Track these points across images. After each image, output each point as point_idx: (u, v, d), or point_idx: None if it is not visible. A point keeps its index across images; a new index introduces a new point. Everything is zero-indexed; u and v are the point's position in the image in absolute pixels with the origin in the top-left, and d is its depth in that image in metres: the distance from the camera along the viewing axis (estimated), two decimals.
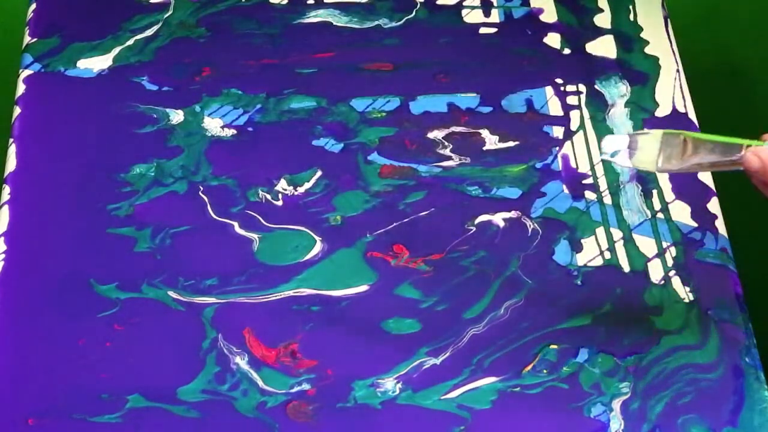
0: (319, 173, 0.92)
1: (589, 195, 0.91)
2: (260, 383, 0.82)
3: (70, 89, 0.96)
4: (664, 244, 0.89)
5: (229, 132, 0.94)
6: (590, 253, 0.88)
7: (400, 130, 0.94)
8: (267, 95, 0.96)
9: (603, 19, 1.02)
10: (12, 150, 0.92)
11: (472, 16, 1.02)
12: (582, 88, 0.97)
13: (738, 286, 0.87)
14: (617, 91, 0.97)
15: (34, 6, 1.01)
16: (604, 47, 1.00)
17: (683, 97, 0.97)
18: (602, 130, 0.95)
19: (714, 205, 0.91)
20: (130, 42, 0.99)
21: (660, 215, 0.90)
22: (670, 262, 0.88)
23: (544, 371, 0.82)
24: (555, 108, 0.96)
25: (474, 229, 0.89)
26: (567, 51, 1.00)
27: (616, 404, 0.81)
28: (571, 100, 0.96)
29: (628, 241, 0.89)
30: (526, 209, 0.90)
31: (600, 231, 0.89)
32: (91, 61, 0.98)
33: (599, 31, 1.01)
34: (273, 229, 0.89)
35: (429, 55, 0.99)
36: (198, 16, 1.01)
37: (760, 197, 0.73)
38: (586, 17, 1.02)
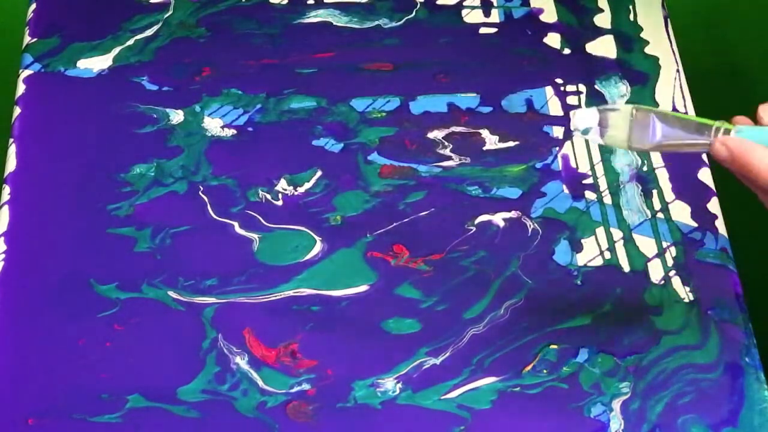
0: (319, 173, 0.92)
1: (589, 195, 0.91)
2: (260, 383, 0.82)
3: (70, 89, 0.96)
4: (664, 244, 0.89)
5: (229, 132, 0.94)
6: (590, 253, 0.88)
7: (400, 130, 0.94)
8: (267, 95, 0.96)
9: (603, 19, 1.02)
10: (12, 150, 0.92)
11: (472, 16, 1.02)
12: (582, 88, 0.97)
13: (738, 286, 0.87)
14: (617, 91, 0.97)
15: (34, 6, 1.01)
16: (604, 47, 1.00)
17: (683, 97, 0.97)
18: None
19: (714, 205, 0.91)
20: (130, 42, 0.99)
21: (660, 215, 0.90)
22: (670, 262, 0.88)
23: (544, 371, 0.82)
24: (555, 108, 0.96)
25: (474, 229, 0.89)
26: (567, 51, 1.00)
27: (616, 404, 0.81)
28: (571, 100, 0.96)
29: (628, 241, 0.89)
30: (526, 209, 0.90)
31: (600, 231, 0.89)
32: (91, 61, 0.98)
33: (599, 31, 1.01)
34: (273, 229, 0.89)
35: (429, 55, 0.99)
36: (198, 16, 1.01)
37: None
38: (586, 17, 1.02)
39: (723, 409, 0.81)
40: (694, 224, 0.90)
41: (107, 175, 0.91)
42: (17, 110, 0.95)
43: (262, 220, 0.89)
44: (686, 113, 0.68)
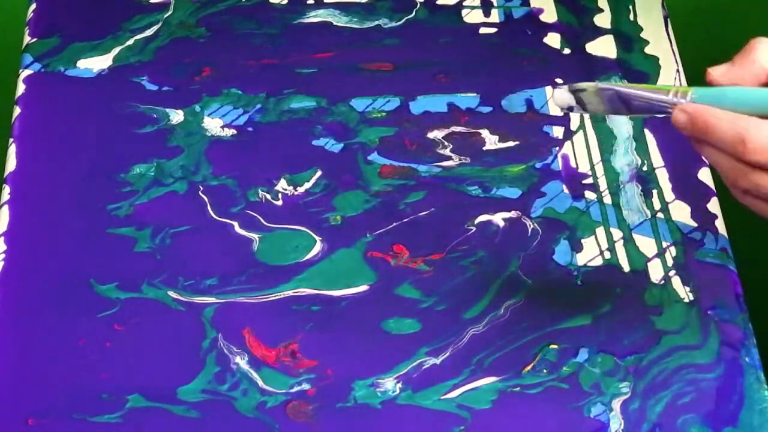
0: (319, 173, 0.92)
1: (589, 195, 0.91)
2: (260, 383, 0.82)
3: (70, 89, 0.96)
4: (664, 244, 0.89)
5: (229, 132, 0.94)
6: (590, 253, 0.88)
7: (400, 130, 0.94)
8: (267, 95, 0.96)
9: (603, 19, 1.02)
10: (12, 150, 0.92)
11: (472, 16, 1.02)
12: None
13: (738, 286, 0.87)
14: None
15: (34, 6, 1.01)
16: (604, 47, 1.00)
17: None
18: (602, 130, 0.95)
19: (714, 205, 0.91)
20: (130, 42, 0.99)
21: (660, 215, 0.90)
22: (670, 262, 0.88)
23: (544, 371, 0.82)
24: (555, 108, 0.96)
25: (474, 229, 0.89)
26: (567, 51, 1.00)
27: (616, 404, 0.81)
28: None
29: (628, 241, 0.89)
30: (526, 209, 0.90)
31: (600, 231, 0.89)
32: (91, 61, 0.98)
33: (599, 31, 1.01)
34: (273, 229, 0.89)
35: (429, 55, 0.99)
36: (198, 16, 1.01)
37: None
38: (586, 17, 1.02)
39: (723, 409, 0.81)
40: (694, 224, 0.90)
41: (107, 175, 0.91)
42: (17, 110, 0.95)
43: (262, 220, 0.89)
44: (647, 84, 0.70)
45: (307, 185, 0.91)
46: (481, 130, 0.95)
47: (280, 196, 0.91)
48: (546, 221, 0.90)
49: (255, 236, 0.88)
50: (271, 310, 0.85)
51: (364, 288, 0.86)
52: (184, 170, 0.92)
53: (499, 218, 0.90)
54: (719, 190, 0.92)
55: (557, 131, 0.95)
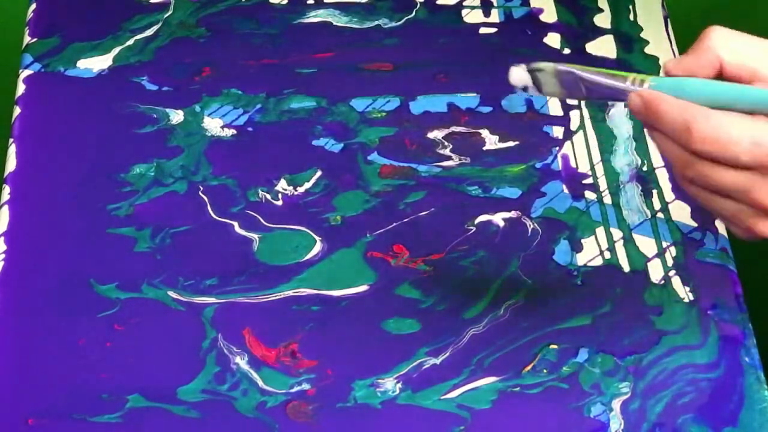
0: (319, 173, 0.92)
1: (589, 195, 0.91)
2: (260, 383, 0.82)
3: (70, 89, 0.96)
4: (664, 244, 0.89)
5: (229, 132, 0.94)
6: (590, 253, 0.88)
7: (400, 130, 0.94)
8: (267, 95, 0.96)
9: (603, 19, 1.02)
10: (12, 150, 0.92)
11: (472, 16, 1.02)
12: None
13: (738, 286, 0.87)
14: None
15: (34, 6, 1.01)
16: (604, 47, 1.00)
17: None
18: (602, 130, 0.95)
19: None
20: (130, 42, 0.99)
21: (660, 215, 0.90)
22: (670, 262, 0.88)
23: (544, 371, 0.82)
24: (555, 108, 0.96)
25: (474, 229, 0.89)
26: (567, 51, 1.00)
27: (616, 404, 0.81)
28: (571, 100, 0.96)
29: (628, 241, 0.89)
30: (526, 209, 0.90)
31: (600, 231, 0.89)
32: (91, 61, 0.98)
33: (599, 31, 1.01)
34: (273, 229, 0.89)
35: (429, 55, 0.99)
36: (198, 16, 1.01)
37: None
38: (586, 17, 1.02)
39: (723, 409, 0.81)
40: (694, 224, 0.90)
41: (107, 175, 0.91)
42: (17, 110, 0.95)
43: (262, 220, 0.89)
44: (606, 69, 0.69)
45: (307, 185, 0.91)
46: (481, 130, 0.95)
47: (280, 196, 0.91)
48: (546, 221, 0.90)
49: (255, 236, 0.88)
50: (271, 310, 0.85)
51: (364, 288, 0.86)
52: (184, 170, 0.92)
53: (499, 218, 0.90)
54: None
55: (557, 131, 0.95)
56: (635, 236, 0.89)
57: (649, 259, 0.88)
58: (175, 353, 0.83)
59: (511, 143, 0.94)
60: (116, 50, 0.98)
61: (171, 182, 0.91)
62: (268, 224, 0.89)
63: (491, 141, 0.94)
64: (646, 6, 1.03)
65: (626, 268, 0.87)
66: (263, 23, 1.01)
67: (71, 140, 0.93)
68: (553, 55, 0.99)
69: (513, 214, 0.90)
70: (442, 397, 0.81)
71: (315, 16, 1.02)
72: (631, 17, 1.02)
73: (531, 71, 0.68)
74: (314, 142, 0.94)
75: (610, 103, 0.96)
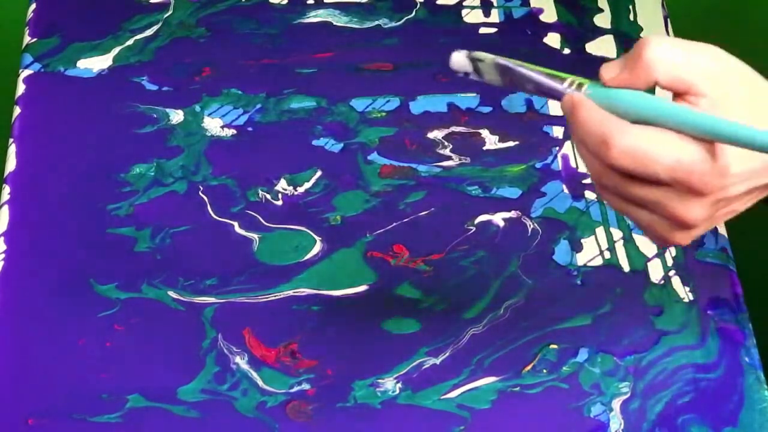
0: (319, 173, 0.92)
1: (589, 195, 0.91)
2: (260, 383, 0.82)
3: (70, 89, 0.96)
4: None
5: (229, 132, 0.94)
6: (590, 253, 0.88)
7: (400, 130, 0.94)
8: (267, 95, 0.96)
9: (603, 19, 1.02)
10: (12, 150, 0.92)
11: (472, 16, 1.02)
12: None
13: (738, 286, 0.87)
14: None
15: (34, 6, 1.01)
16: (604, 47, 1.00)
17: None
18: None
19: None
20: (130, 42, 0.99)
21: None
22: (670, 262, 0.88)
23: (544, 371, 0.82)
24: (555, 108, 0.96)
25: (474, 229, 0.89)
26: (567, 51, 1.00)
27: (616, 404, 0.81)
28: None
29: (628, 241, 0.89)
30: (526, 209, 0.90)
31: (600, 231, 0.89)
32: (91, 61, 0.98)
33: (599, 31, 1.01)
34: (273, 229, 0.89)
35: (429, 55, 0.99)
36: (198, 16, 1.01)
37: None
38: (586, 17, 1.02)
39: (723, 409, 0.81)
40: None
41: (107, 175, 0.91)
42: (17, 110, 0.95)
43: (262, 220, 0.89)
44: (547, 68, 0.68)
45: (307, 185, 0.91)
46: (481, 130, 0.95)
47: (280, 196, 0.91)
48: (546, 221, 0.90)
49: (255, 236, 0.88)
50: (271, 310, 0.85)
51: (364, 288, 0.86)
52: (184, 170, 0.92)
53: (499, 218, 0.90)
54: None
55: (557, 131, 0.95)
56: (635, 236, 0.89)
57: (649, 259, 0.88)
58: (175, 353, 0.83)
59: (511, 143, 0.94)
60: (116, 50, 0.98)
61: (171, 182, 0.91)
62: (268, 224, 0.89)
63: (491, 141, 0.94)
64: (646, 6, 1.03)
65: (626, 268, 0.87)
66: (263, 23, 1.01)
67: (71, 140, 0.93)
68: (553, 55, 0.99)
69: (513, 214, 0.90)
70: (442, 397, 0.81)
71: (315, 16, 1.02)
72: (631, 17, 1.02)
73: (472, 59, 0.68)
74: (314, 142, 0.94)
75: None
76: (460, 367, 0.83)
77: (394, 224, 0.89)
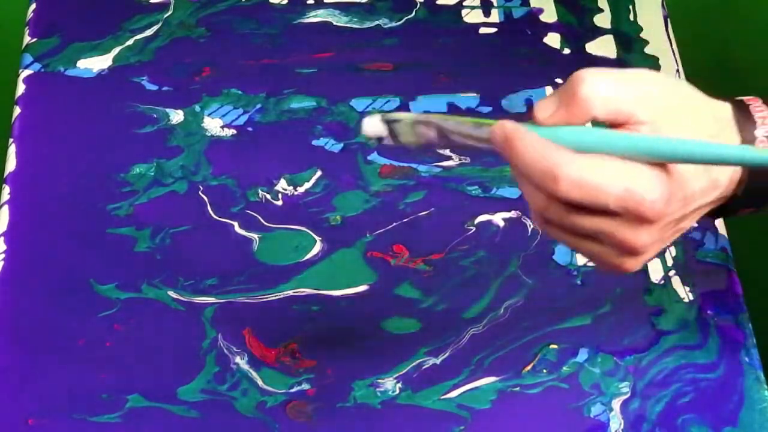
0: (319, 173, 0.92)
1: None
2: (260, 383, 0.82)
3: (70, 89, 0.96)
4: None
5: (229, 132, 0.94)
6: None
7: None
8: (267, 95, 0.96)
9: (603, 19, 1.02)
10: (12, 150, 0.92)
11: (472, 16, 1.02)
12: None
13: (738, 286, 0.87)
14: None
15: (34, 6, 1.01)
16: (604, 47, 1.00)
17: None
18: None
19: None
20: (130, 42, 0.99)
21: None
22: (670, 262, 0.88)
23: (544, 371, 0.82)
24: None
25: (474, 229, 0.89)
26: (567, 51, 1.00)
27: (616, 404, 0.81)
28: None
29: None
30: (526, 209, 0.90)
31: None
32: (91, 61, 0.98)
33: (599, 31, 1.01)
34: (273, 229, 0.89)
35: (429, 55, 0.99)
36: (198, 16, 1.01)
37: None
38: (586, 17, 1.02)
39: (723, 409, 0.81)
40: (694, 224, 0.90)
41: (107, 175, 0.91)
42: (17, 110, 0.95)
43: (262, 220, 0.89)
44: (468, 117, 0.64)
45: (307, 185, 0.91)
46: None
47: (280, 196, 0.91)
48: None
49: (255, 236, 0.88)
50: (271, 310, 0.85)
51: (364, 288, 0.86)
52: (184, 170, 0.92)
53: (499, 218, 0.90)
54: None
55: None
56: None
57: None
58: (175, 353, 0.83)
59: None
60: (116, 50, 0.98)
61: (171, 182, 0.91)
62: (268, 224, 0.89)
63: None
64: (646, 6, 1.03)
65: None
66: (263, 23, 1.01)
67: (71, 140, 0.93)
68: (553, 55, 0.99)
69: (513, 214, 0.90)
70: (442, 397, 0.81)
71: (315, 16, 1.02)
72: (631, 17, 1.02)
73: (387, 122, 0.64)
74: (314, 142, 0.94)
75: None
76: (460, 367, 0.83)
77: (394, 224, 0.89)
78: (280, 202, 0.90)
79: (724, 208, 0.67)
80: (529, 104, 0.96)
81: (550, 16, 1.02)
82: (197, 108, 0.95)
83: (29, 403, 0.80)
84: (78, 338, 0.83)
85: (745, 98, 0.67)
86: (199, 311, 0.85)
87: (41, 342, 0.83)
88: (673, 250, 0.88)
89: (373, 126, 0.64)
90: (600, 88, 0.62)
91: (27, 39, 0.99)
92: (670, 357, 0.83)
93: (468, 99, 0.96)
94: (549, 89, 0.97)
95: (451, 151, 0.78)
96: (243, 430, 0.80)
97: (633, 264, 0.64)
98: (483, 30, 1.01)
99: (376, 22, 1.01)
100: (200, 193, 0.91)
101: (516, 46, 1.00)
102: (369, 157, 0.93)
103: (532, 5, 1.03)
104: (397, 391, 0.82)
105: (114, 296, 0.85)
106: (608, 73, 0.63)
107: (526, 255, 0.88)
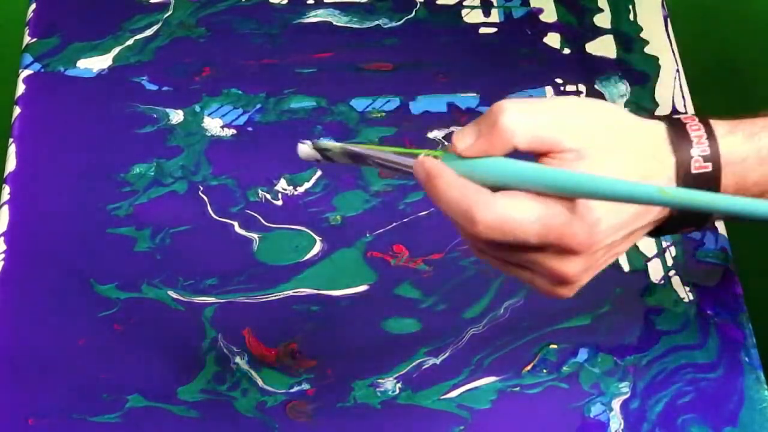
0: (318, 173, 0.92)
1: None
2: (260, 383, 0.82)
3: (70, 89, 0.96)
4: (664, 244, 0.89)
5: (229, 132, 0.94)
6: None
7: (399, 130, 0.94)
8: (267, 95, 0.96)
9: (603, 19, 1.02)
10: (12, 150, 0.92)
11: (472, 16, 1.02)
12: (582, 88, 0.97)
13: (738, 286, 0.87)
14: (617, 91, 0.97)
15: (34, 6, 1.01)
16: (604, 47, 1.00)
17: (683, 96, 0.97)
18: None
19: None
20: (130, 42, 0.99)
21: None
22: (670, 262, 0.88)
23: (544, 371, 0.82)
24: None
25: None
26: (567, 51, 1.00)
27: (616, 404, 0.81)
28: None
29: None
30: None
31: None
32: (91, 61, 0.98)
33: (599, 31, 1.01)
34: (273, 229, 0.89)
35: (429, 55, 0.99)
36: (198, 16, 1.01)
37: None
38: (586, 17, 1.02)
39: (723, 409, 0.81)
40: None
41: (107, 175, 0.91)
42: (17, 110, 0.95)
43: (262, 220, 0.89)
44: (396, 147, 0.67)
45: (307, 185, 0.91)
46: None
47: (280, 196, 0.91)
48: None
49: (255, 236, 0.88)
50: (271, 310, 0.85)
51: (364, 288, 0.86)
52: (184, 170, 0.92)
53: None
54: None
55: None
56: None
57: (649, 259, 0.88)
58: (175, 353, 0.83)
59: None
60: (116, 50, 0.98)
61: (171, 182, 0.91)
62: (268, 224, 0.89)
63: None
64: (646, 6, 1.03)
65: (626, 268, 0.87)
66: (263, 23, 1.01)
67: (71, 140, 0.93)
68: (553, 55, 0.99)
69: None
70: (442, 397, 0.81)
71: (315, 16, 1.02)
72: (631, 17, 1.02)
73: (318, 150, 0.67)
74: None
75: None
76: (460, 367, 0.83)
77: (394, 224, 0.89)
78: (280, 202, 0.90)
79: (663, 228, 0.67)
80: None
81: (550, 16, 1.02)
82: (197, 108, 0.95)
83: (29, 403, 0.80)
84: (78, 338, 0.83)
85: (682, 116, 0.66)
86: (199, 311, 0.85)
87: (41, 342, 0.83)
88: (673, 250, 0.88)
89: (305, 152, 0.67)
90: (521, 117, 0.62)
91: (27, 39, 0.99)
92: (670, 357, 0.83)
93: (468, 99, 0.96)
94: (549, 89, 0.97)
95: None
96: (243, 430, 0.80)
97: (568, 291, 0.64)
98: (483, 30, 1.01)
99: (376, 22, 1.01)
100: (200, 193, 0.91)
101: (516, 46, 1.00)
102: None
103: (532, 5, 1.03)
104: (397, 391, 0.82)
105: (114, 296, 0.85)
106: (531, 103, 0.63)
107: None
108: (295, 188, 0.91)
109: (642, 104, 0.96)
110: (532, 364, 0.83)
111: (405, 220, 0.89)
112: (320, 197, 0.91)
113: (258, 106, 0.95)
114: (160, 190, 0.91)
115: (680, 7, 1.20)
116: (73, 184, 0.91)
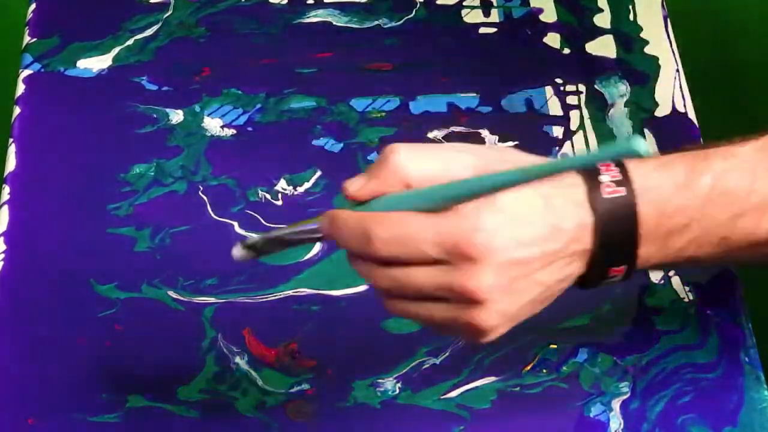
0: (318, 173, 0.92)
1: None
2: (260, 383, 0.82)
3: (70, 89, 0.96)
4: None
5: (229, 132, 0.94)
6: None
7: (399, 130, 0.94)
8: (267, 95, 0.96)
9: (603, 19, 1.02)
10: (12, 150, 0.92)
11: (472, 16, 1.02)
12: (582, 88, 0.97)
13: (738, 286, 0.87)
14: (617, 91, 0.97)
15: (34, 6, 1.01)
16: (603, 47, 1.00)
17: (683, 96, 0.97)
18: (602, 129, 0.95)
19: None
20: (130, 42, 0.99)
21: None
22: None
23: (544, 371, 0.82)
24: (555, 108, 0.96)
25: None
26: (567, 51, 1.00)
27: (616, 404, 0.81)
28: (571, 100, 0.96)
29: None
30: None
31: None
32: (91, 61, 0.98)
33: (599, 31, 1.01)
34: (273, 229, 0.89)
35: (429, 55, 0.99)
36: (198, 16, 1.01)
37: None
38: (586, 17, 1.02)
39: (723, 409, 0.81)
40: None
41: (107, 175, 0.91)
42: (17, 110, 0.95)
43: (262, 220, 0.89)
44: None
45: (307, 185, 0.91)
46: (481, 130, 0.95)
47: (280, 196, 0.91)
48: None
49: (255, 236, 0.88)
50: (271, 310, 0.85)
51: (364, 288, 0.86)
52: (184, 170, 0.92)
53: None
54: None
55: (557, 131, 0.95)
56: None
57: None
58: (175, 353, 0.83)
59: (511, 143, 0.94)
60: (116, 50, 0.98)
61: (171, 182, 0.91)
62: (268, 224, 0.89)
63: (491, 141, 0.94)
64: (646, 6, 1.03)
65: None
66: (263, 23, 1.01)
67: (71, 140, 0.93)
68: (553, 55, 0.99)
69: None
70: (442, 397, 0.81)
71: (315, 16, 1.02)
72: (631, 17, 1.02)
73: (246, 247, 0.70)
74: (314, 142, 0.94)
75: (609, 102, 0.96)
76: (460, 366, 0.83)
77: None
78: (280, 202, 0.90)
79: (590, 270, 0.66)
80: (529, 104, 0.96)
81: (550, 16, 1.02)
82: (197, 108, 0.95)
83: (29, 403, 0.80)
84: (78, 338, 0.83)
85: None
86: (198, 311, 0.85)
87: (41, 342, 0.83)
88: None
89: (239, 253, 0.70)
90: (411, 155, 0.64)
91: (27, 39, 0.99)
92: (670, 357, 0.83)
93: (468, 99, 0.96)
94: (549, 89, 0.97)
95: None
96: (243, 430, 0.80)
97: (485, 315, 0.64)
98: (483, 30, 1.01)
99: (376, 22, 1.01)
100: (200, 193, 0.91)
101: (516, 46, 1.00)
102: (369, 157, 0.93)
103: (532, 5, 1.03)
104: (397, 391, 0.82)
105: (114, 296, 0.85)
106: (421, 145, 0.66)
107: None
108: (295, 188, 0.91)
109: (642, 104, 0.96)
110: (532, 364, 0.83)
111: None
112: (320, 197, 0.91)
113: (258, 106, 0.95)
114: (160, 190, 0.91)
115: (680, 7, 1.21)
116: (73, 184, 0.91)
